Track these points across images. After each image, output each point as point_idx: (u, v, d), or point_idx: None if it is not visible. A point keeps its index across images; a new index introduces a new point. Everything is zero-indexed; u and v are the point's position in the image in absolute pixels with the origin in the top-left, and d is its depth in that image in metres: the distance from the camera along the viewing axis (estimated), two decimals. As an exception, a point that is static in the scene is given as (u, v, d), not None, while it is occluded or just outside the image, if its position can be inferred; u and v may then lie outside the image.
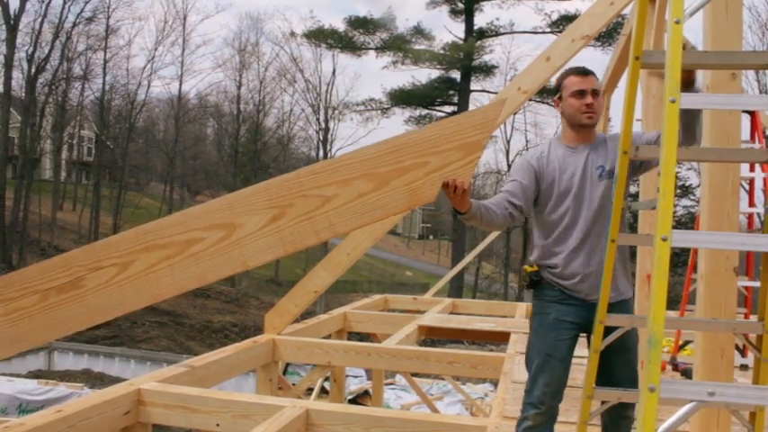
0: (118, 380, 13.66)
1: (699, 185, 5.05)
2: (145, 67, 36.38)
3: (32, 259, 26.75)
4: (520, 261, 35.45)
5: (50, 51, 31.90)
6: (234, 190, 3.54)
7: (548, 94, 29.68)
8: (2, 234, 29.30)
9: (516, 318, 7.95)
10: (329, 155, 36.95)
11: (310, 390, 8.70)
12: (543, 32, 32.33)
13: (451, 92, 33.58)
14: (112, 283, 2.61)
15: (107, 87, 36.15)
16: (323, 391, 9.39)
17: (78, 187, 40.58)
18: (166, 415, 3.74)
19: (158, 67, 38.66)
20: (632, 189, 7.07)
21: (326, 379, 8.53)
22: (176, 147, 37.78)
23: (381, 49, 33.68)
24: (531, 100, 26.74)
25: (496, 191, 39.06)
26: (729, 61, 2.11)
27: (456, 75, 33.26)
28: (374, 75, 76.69)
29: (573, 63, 4.98)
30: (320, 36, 34.75)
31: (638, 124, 4.54)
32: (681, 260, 16.86)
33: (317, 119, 38.74)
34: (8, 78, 30.36)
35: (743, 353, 4.71)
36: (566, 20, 29.92)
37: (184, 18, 37.77)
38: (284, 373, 6.68)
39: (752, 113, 4.75)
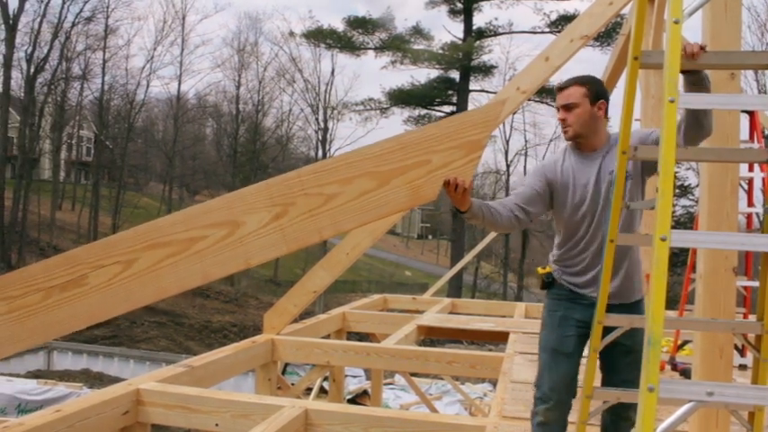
0: (117, 380, 13.63)
1: (698, 185, 5.06)
2: (144, 67, 36.48)
3: (31, 259, 26.71)
4: (519, 261, 35.47)
5: (49, 51, 31.89)
6: (233, 190, 3.54)
7: (547, 93, 29.74)
8: (1, 234, 29.26)
9: (515, 318, 7.95)
10: (328, 155, 36.89)
11: (309, 389, 8.69)
12: (542, 32, 32.30)
13: (450, 92, 33.53)
14: (116, 280, 2.62)
15: (106, 87, 36.18)
16: (322, 390, 9.38)
17: (77, 187, 40.46)
18: (165, 415, 3.74)
19: (157, 66, 38.55)
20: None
21: (325, 379, 8.52)
22: (175, 147, 37.72)
23: (380, 49, 33.63)
24: (529, 100, 26.76)
25: (495, 190, 39.13)
26: (728, 61, 2.13)
27: (455, 75, 33.22)
28: (373, 75, 76.69)
29: (572, 63, 5.00)
30: (319, 36, 34.71)
31: (636, 124, 4.55)
32: (680, 260, 16.85)
33: (316, 119, 38.79)
34: (7, 78, 30.36)
35: (742, 353, 4.71)
36: (564, 20, 29.92)
37: (183, 18, 37.81)
38: (283, 372, 6.66)
39: (751, 113, 4.75)
